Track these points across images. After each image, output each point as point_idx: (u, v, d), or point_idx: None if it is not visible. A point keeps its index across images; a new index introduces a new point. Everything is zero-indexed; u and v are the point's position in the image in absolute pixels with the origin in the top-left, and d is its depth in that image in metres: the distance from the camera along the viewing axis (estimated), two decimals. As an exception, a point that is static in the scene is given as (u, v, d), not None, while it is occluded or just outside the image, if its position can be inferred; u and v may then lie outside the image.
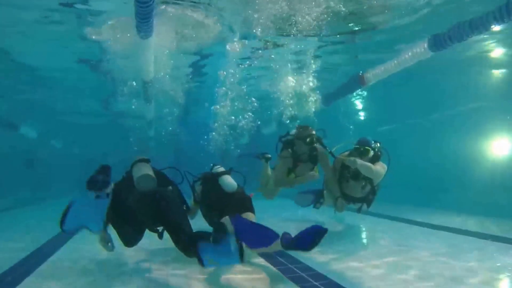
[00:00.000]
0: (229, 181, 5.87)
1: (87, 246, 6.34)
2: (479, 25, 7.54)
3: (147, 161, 5.31)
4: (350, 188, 7.50)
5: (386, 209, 10.08)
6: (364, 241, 7.63)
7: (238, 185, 5.95)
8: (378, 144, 7.39)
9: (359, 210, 7.81)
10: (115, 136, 23.22)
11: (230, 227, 4.87)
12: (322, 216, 9.44)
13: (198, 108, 19.34)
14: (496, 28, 8.25)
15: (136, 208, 4.91)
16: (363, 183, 7.33)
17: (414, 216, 9.68)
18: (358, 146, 7.30)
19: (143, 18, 6.64)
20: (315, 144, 7.47)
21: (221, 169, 6.13)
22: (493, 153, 11.78)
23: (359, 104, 17.75)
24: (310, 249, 4.30)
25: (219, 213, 5.54)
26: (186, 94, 15.89)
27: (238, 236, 4.53)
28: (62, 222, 4.62)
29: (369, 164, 7.03)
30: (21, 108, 18.32)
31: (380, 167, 7.18)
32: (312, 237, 4.33)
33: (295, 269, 5.13)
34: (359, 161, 6.90)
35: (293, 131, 7.84)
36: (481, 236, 7.25)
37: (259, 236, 4.62)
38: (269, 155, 8.22)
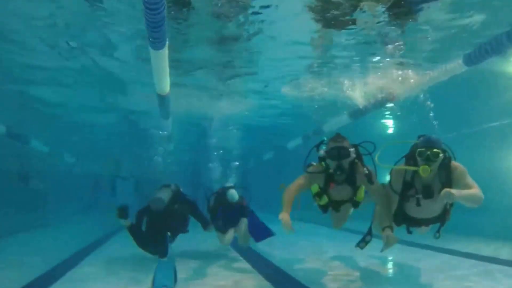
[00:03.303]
0: (232, 194, 8.63)
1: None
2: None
3: (167, 186, 8.64)
4: (422, 210, 5.75)
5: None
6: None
7: (240, 197, 8.78)
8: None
9: (438, 235, 6.11)
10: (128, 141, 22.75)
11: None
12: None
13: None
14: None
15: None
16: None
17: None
18: (422, 149, 5.41)
19: (155, 27, 6.55)
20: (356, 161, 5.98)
21: (230, 184, 9.09)
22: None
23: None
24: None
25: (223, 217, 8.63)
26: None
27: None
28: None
29: (471, 191, 5.24)
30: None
31: (472, 181, 5.40)
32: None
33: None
34: (457, 191, 5.06)
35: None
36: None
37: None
38: None
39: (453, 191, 5.01)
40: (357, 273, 7.25)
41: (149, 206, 8.15)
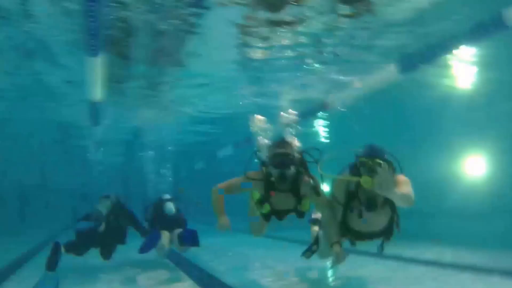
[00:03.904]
0: (170, 207, 8.89)
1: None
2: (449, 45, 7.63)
3: (106, 197, 8.53)
4: (366, 223, 5.40)
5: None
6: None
7: (177, 209, 9.00)
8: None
9: (381, 249, 5.70)
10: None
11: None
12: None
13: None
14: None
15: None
16: (386, 210, 5.32)
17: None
18: (365, 159, 5.09)
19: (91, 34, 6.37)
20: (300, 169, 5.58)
21: (167, 196, 9.15)
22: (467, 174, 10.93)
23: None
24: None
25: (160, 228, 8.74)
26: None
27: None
28: None
29: (408, 191, 4.88)
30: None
31: (409, 187, 5.00)
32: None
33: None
34: (398, 191, 4.68)
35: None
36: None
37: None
38: None
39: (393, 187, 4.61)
40: (299, 283, 7.10)
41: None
